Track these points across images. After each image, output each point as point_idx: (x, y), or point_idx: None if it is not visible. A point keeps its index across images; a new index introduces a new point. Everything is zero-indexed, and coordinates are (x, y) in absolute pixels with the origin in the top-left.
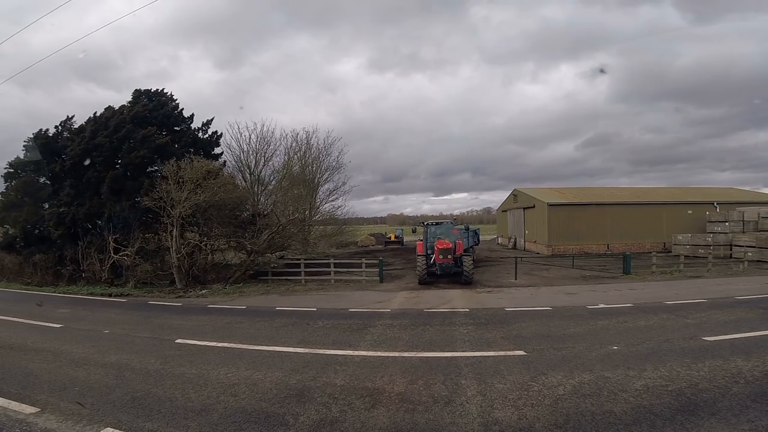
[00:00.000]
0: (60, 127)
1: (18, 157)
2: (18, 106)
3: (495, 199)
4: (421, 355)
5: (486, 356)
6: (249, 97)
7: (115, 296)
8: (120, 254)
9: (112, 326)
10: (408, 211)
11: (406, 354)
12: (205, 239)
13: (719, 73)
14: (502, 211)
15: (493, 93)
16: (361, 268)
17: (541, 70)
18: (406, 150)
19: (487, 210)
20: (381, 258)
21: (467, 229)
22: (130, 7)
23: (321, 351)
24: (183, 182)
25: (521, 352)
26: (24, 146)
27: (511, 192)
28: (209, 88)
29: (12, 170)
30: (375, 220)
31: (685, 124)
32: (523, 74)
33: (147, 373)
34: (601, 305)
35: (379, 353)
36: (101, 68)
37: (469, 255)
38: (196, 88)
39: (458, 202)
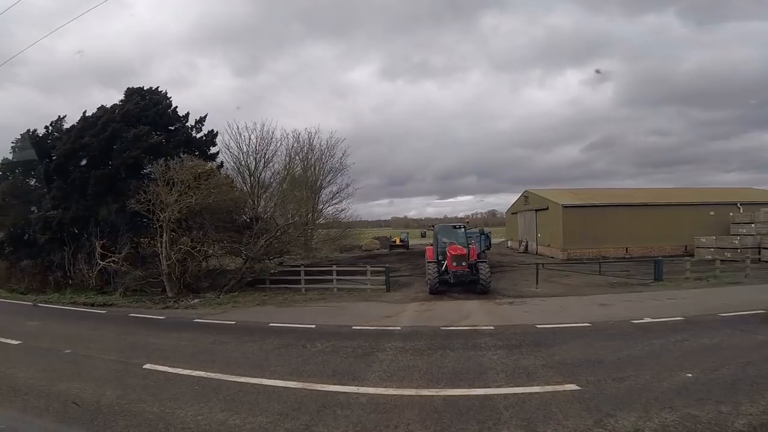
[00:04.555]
0: (51, 127)
1: (5, 158)
2: (38, 111)
3: (500, 201)
4: (446, 393)
5: (529, 393)
6: (264, 103)
7: (99, 306)
8: (107, 260)
9: (78, 344)
10: (412, 213)
11: (425, 392)
12: (197, 245)
13: (721, 77)
14: (512, 214)
15: (500, 98)
16: (365, 275)
17: (547, 76)
18: (412, 154)
19: (492, 212)
20: (387, 265)
21: (482, 233)
22: (154, 14)
23: (318, 386)
24: (173, 184)
25: (573, 386)
26: (12, 147)
27: (521, 194)
28: (226, 94)
29: (0, 173)
30: (379, 223)
31: (688, 126)
32: (530, 80)
33: (97, 409)
34: (647, 319)
35: (390, 390)
36: (123, 75)
37: (485, 261)
38: (213, 95)
39: (463, 205)
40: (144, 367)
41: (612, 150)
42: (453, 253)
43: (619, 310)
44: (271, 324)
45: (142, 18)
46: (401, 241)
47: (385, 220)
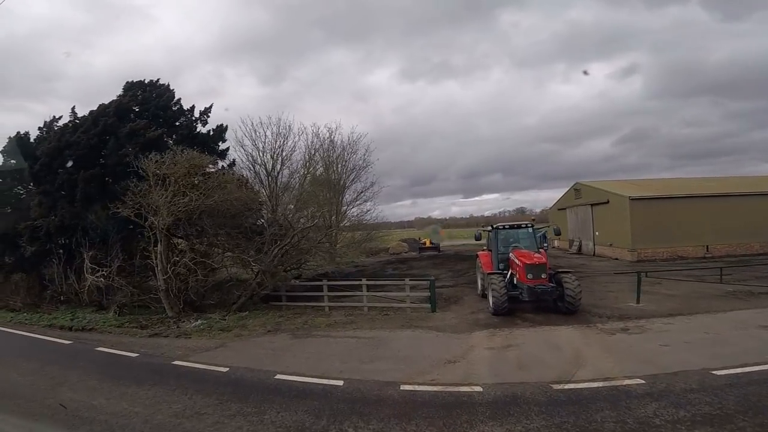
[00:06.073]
0: (45, 129)
1: None
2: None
3: (528, 198)
4: None
5: None
6: (289, 109)
7: (77, 330)
8: (97, 274)
9: None
10: (436, 213)
11: None
12: (198, 257)
13: (758, 66)
14: (558, 210)
15: (524, 94)
16: (401, 289)
17: (572, 70)
18: (435, 153)
19: (521, 210)
20: (432, 278)
21: (558, 233)
22: (181, 27)
23: None
24: (167, 183)
25: None
26: (2, 152)
27: (571, 186)
28: (253, 103)
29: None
30: (402, 224)
31: (726, 116)
32: (554, 75)
33: None
34: None
35: None
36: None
37: (569, 271)
38: (241, 104)
39: (489, 203)
40: None
41: (644, 143)
42: (527, 262)
43: None
44: (278, 376)
45: (170, 31)
46: (431, 243)
47: (408, 221)
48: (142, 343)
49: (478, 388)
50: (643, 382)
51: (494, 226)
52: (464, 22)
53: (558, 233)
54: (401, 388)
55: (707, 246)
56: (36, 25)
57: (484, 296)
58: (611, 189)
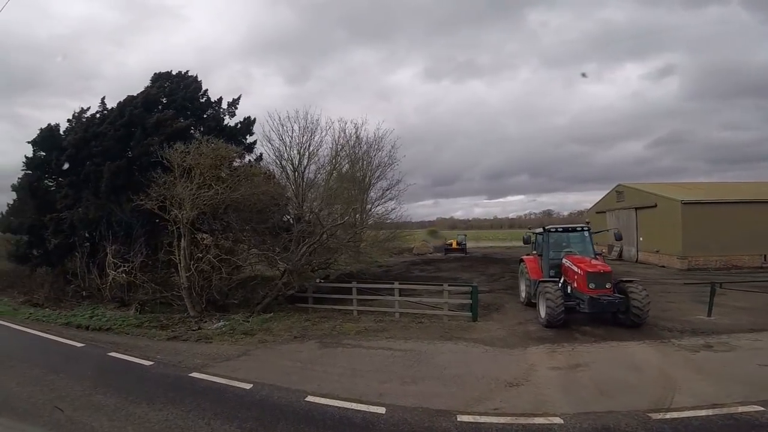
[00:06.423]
0: (74, 121)
1: (26, 156)
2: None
3: (555, 201)
4: None
5: None
6: (313, 108)
7: (93, 330)
8: (119, 270)
9: None
10: (458, 214)
11: None
12: (222, 254)
13: None
14: (597, 213)
15: (553, 94)
16: (432, 294)
17: (604, 70)
18: (459, 153)
19: (548, 213)
20: (474, 284)
21: (619, 237)
22: (211, 27)
23: None
24: (192, 174)
25: None
26: (33, 142)
27: (612, 189)
28: (280, 102)
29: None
30: (423, 224)
31: (767, 120)
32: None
33: None
34: None
35: None
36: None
37: (635, 280)
38: (268, 104)
39: (514, 205)
40: None
41: (680, 146)
42: (589, 270)
43: None
44: (308, 398)
45: (200, 31)
46: (458, 244)
47: (430, 221)
48: (159, 348)
49: (558, 420)
50: (763, 408)
51: (545, 228)
52: (490, 22)
53: (619, 238)
54: (459, 419)
55: (765, 255)
56: (75, 25)
57: (529, 305)
58: (659, 192)
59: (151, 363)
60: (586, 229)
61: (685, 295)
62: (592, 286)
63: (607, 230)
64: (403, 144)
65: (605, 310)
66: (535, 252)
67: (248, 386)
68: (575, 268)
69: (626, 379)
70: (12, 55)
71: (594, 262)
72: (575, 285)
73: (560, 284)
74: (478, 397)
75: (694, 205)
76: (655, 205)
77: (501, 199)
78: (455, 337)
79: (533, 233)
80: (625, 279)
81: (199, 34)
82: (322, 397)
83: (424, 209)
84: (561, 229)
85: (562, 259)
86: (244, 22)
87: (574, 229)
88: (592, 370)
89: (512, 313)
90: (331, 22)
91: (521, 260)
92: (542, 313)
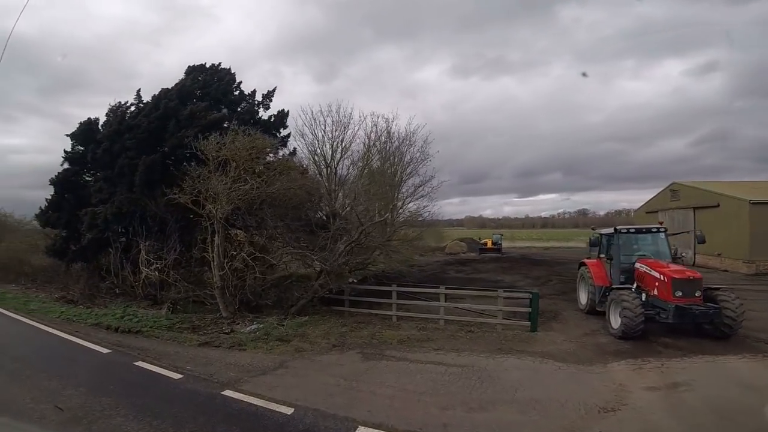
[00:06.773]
0: (111, 114)
1: (65, 150)
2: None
3: (589, 200)
4: None
5: None
6: (345, 103)
7: (123, 332)
8: (151, 267)
9: None
10: (487, 213)
11: None
12: (257, 251)
13: None
14: (647, 213)
15: (588, 91)
16: (476, 299)
17: (642, 66)
18: (488, 150)
19: (582, 212)
20: (535, 290)
21: (702, 240)
22: (241, 27)
23: None
24: (227, 168)
25: None
26: (70, 136)
27: (666, 187)
28: (309, 100)
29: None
30: (451, 223)
31: None
32: (621, 72)
33: None
34: None
35: None
36: None
37: (726, 287)
38: (298, 102)
39: (545, 204)
40: None
41: (725, 144)
42: (676, 276)
43: None
44: (360, 429)
45: (232, 31)
46: (494, 244)
47: (458, 219)
48: (189, 356)
49: None
50: None
51: (616, 228)
52: (520, 19)
53: (702, 241)
54: None
55: None
56: (115, 25)
57: (590, 313)
58: (723, 191)
59: (181, 376)
60: (662, 230)
61: (765, 302)
62: (678, 294)
63: (687, 231)
64: (431, 141)
65: (696, 321)
66: (602, 255)
67: (289, 411)
68: (655, 274)
69: (743, 401)
70: (57, 55)
71: (679, 267)
72: (655, 292)
73: (635, 289)
74: (570, 428)
75: (763, 205)
76: (718, 205)
77: (532, 198)
78: (516, 350)
79: (600, 234)
80: (711, 286)
81: (230, 34)
82: (376, 428)
83: (451, 207)
84: (634, 230)
85: (634, 264)
86: (273, 22)
87: (648, 230)
88: (696, 392)
89: (573, 321)
90: (357, 20)
91: (581, 264)
92: (614, 323)
